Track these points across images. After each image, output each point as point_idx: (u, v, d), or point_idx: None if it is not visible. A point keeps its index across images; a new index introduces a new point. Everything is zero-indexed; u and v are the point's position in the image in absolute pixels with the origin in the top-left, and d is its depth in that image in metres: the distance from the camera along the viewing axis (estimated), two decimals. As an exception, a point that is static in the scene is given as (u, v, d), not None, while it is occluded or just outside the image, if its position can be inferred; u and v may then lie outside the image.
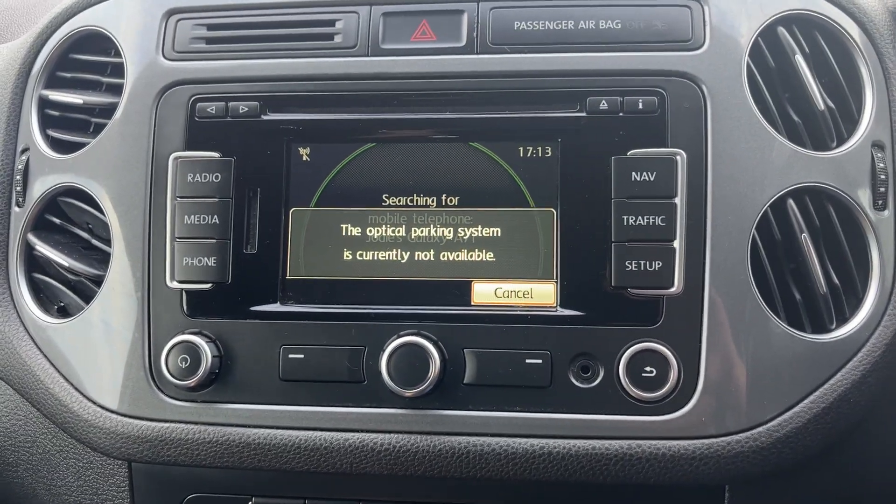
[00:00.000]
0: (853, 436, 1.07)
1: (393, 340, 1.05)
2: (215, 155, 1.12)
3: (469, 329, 1.07)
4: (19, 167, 1.22)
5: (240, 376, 1.10)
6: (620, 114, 1.07)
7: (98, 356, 1.15)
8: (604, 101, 1.08)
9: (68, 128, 1.24)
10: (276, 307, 1.11)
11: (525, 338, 1.06)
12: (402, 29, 1.14)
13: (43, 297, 1.22)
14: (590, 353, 1.05)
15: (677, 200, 1.04)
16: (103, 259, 1.18)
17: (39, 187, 1.21)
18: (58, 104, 1.24)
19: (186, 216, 1.11)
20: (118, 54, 1.21)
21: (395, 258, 1.10)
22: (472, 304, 1.08)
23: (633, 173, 1.05)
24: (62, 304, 1.21)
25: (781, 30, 1.10)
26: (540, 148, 1.10)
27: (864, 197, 1.06)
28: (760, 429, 1.03)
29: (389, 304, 1.09)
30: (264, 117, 1.14)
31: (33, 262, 1.23)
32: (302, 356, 1.09)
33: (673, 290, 1.04)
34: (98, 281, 1.17)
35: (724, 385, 1.03)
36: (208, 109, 1.14)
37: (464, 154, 1.11)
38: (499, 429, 1.06)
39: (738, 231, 1.04)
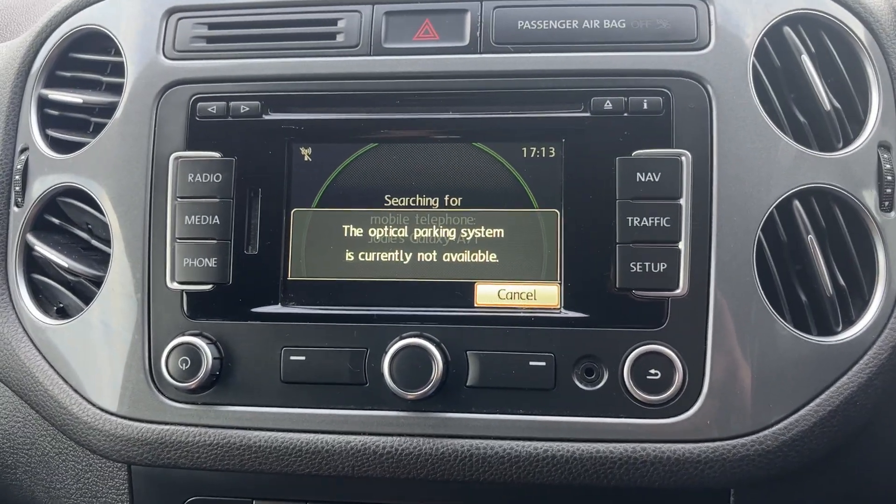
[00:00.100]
0: (859, 438, 1.07)
1: (395, 342, 1.04)
2: (216, 155, 1.12)
3: (472, 331, 1.06)
4: (18, 167, 1.21)
5: (241, 378, 1.09)
6: (625, 114, 1.07)
7: (98, 358, 1.14)
8: (608, 102, 1.07)
9: (68, 127, 1.23)
10: (277, 308, 1.10)
11: (528, 340, 1.05)
12: (405, 28, 1.14)
13: (42, 297, 1.22)
14: (594, 356, 1.04)
15: (682, 201, 1.03)
16: (103, 260, 1.17)
17: (39, 187, 1.20)
18: (57, 103, 1.23)
19: (187, 217, 1.11)
20: (118, 53, 1.20)
21: (397, 259, 1.10)
22: (475, 305, 1.08)
23: (638, 174, 1.04)
24: (61, 305, 1.20)
25: (787, 29, 1.09)
26: (544, 148, 1.09)
27: (870, 198, 1.05)
28: (766, 432, 1.02)
29: (392, 305, 1.08)
30: (265, 117, 1.13)
31: (32, 263, 1.22)
32: (303, 358, 1.08)
33: (678, 291, 1.03)
34: (98, 282, 1.16)
35: (730, 388, 1.02)
36: (209, 109, 1.14)
37: (467, 154, 1.10)
38: (502, 432, 1.05)
39: (744, 232, 1.04)
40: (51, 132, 1.23)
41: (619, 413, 1.04)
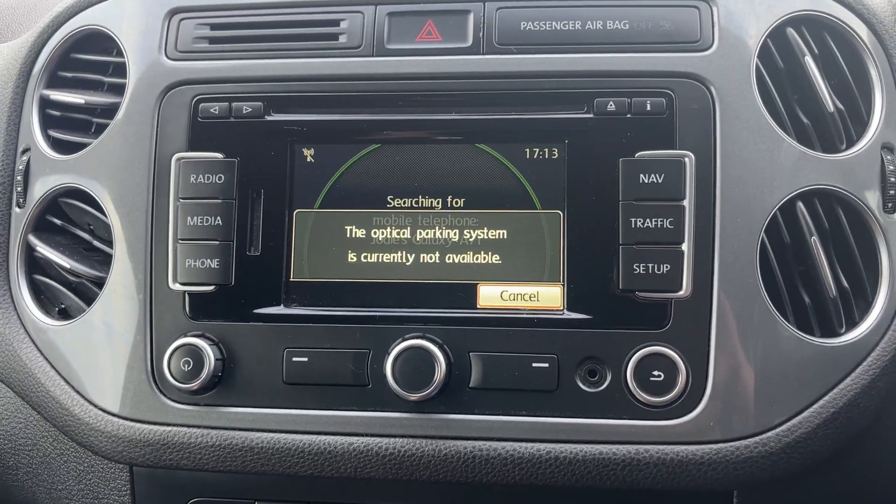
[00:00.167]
0: (862, 440, 1.07)
1: (398, 343, 1.04)
2: (218, 156, 1.11)
3: (475, 332, 1.06)
4: (20, 168, 1.21)
5: (243, 379, 1.09)
6: (628, 115, 1.07)
7: (99, 359, 1.14)
8: (611, 103, 1.07)
9: (70, 128, 1.23)
10: (279, 310, 1.10)
11: (531, 341, 1.05)
12: (408, 29, 1.13)
13: (44, 298, 1.21)
14: (597, 357, 1.04)
15: (686, 203, 1.03)
16: (105, 260, 1.17)
17: (40, 188, 1.20)
18: (59, 104, 1.23)
19: (189, 217, 1.10)
20: (120, 54, 1.20)
21: (400, 260, 1.10)
22: (478, 306, 1.07)
23: (641, 175, 1.04)
24: (63, 306, 1.20)
25: (790, 31, 1.09)
26: (546, 149, 1.09)
27: (873, 199, 1.05)
28: (769, 434, 1.02)
29: (394, 306, 1.08)
30: (268, 118, 1.13)
31: (34, 264, 1.22)
32: (306, 359, 1.08)
33: (681, 293, 1.03)
34: (99, 283, 1.16)
35: (733, 389, 1.02)
36: (211, 110, 1.13)
37: (469, 155, 1.10)
38: (505, 433, 1.05)
39: (747, 234, 1.03)
40: (52, 133, 1.23)
41: (621, 415, 1.03)
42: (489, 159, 1.10)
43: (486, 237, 1.09)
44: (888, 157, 1.06)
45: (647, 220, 1.03)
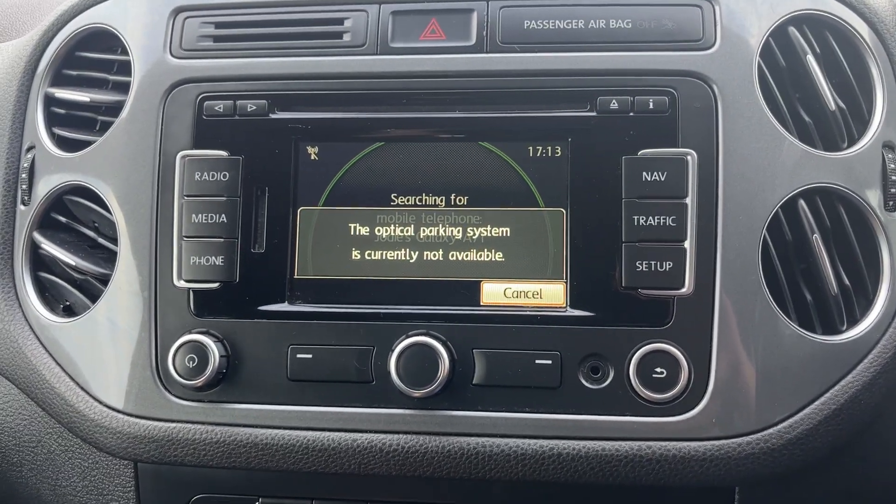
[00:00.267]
0: (863, 437, 1.07)
1: (402, 340, 1.05)
2: (223, 153, 1.12)
3: (478, 329, 1.06)
4: (25, 165, 1.21)
5: (247, 376, 1.10)
6: (631, 113, 1.07)
7: (104, 355, 1.14)
8: (614, 101, 1.07)
9: (74, 126, 1.23)
10: (283, 307, 1.10)
11: (534, 338, 1.06)
12: (412, 27, 1.14)
13: (48, 295, 1.22)
14: (600, 354, 1.05)
15: (688, 200, 1.04)
16: (109, 258, 1.17)
17: (45, 185, 1.21)
18: (64, 102, 1.24)
19: (194, 215, 1.11)
20: (125, 52, 1.20)
21: (403, 258, 1.10)
22: (482, 304, 1.08)
23: (644, 173, 1.05)
24: (68, 303, 1.20)
25: (792, 30, 1.10)
26: (550, 147, 1.09)
27: (874, 198, 1.06)
28: (771, 430, 1.02)
29: (398, 303, 1.09)
30: (272, 116, 1.13)
31: (39, 261, 1.22)
32: (310, 356, 1.08)
33: (683, 290, 1.03)
34: (104, 280, 1.16)
35: (735, 386, 1.03)
36: (216, 108, 1.14)
37: (473, 153, 1.10)
38: (508, 430, 1.05)
39: (749, 231, 1.04)
40: (57, 130, 1.23)
41: (624, 411, 1.04)
42: (492, 157, 1.10)
43: (489, 235, 1.09)
44: (889, 155, 1.07)
45: (650, 217, 1.04)
